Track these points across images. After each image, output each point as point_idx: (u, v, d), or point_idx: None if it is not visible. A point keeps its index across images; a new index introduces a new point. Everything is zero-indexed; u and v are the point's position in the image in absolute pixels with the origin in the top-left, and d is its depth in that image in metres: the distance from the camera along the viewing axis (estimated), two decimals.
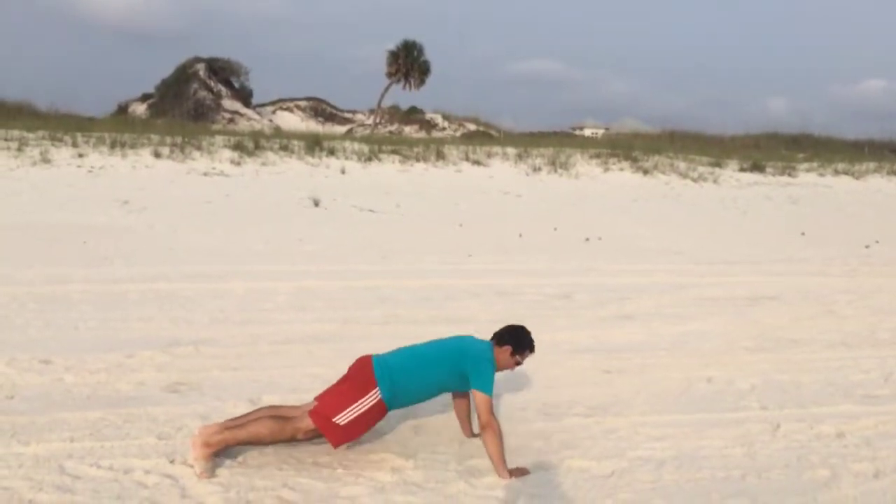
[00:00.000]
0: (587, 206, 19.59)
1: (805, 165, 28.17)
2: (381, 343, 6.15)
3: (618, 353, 6.24)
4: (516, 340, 4.13)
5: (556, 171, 24.05)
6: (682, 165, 25.98)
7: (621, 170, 24.99)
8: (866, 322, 7.73)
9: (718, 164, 26.76)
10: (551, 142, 28.87)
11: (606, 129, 52.68)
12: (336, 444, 3.86)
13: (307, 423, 3.84)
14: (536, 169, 23.97)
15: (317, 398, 4.00)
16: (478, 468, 3.87)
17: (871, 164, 29.11)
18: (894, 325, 7.55)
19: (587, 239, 13.91)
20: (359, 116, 51.83)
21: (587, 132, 51.08)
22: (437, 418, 4.53)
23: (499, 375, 4.13)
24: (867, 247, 14.31)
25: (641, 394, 5.22)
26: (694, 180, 24.69)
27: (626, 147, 27.37)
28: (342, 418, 3.83)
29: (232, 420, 3.93)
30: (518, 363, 4.17)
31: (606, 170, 24.80)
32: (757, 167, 26.97)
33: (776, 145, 34.86)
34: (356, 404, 3.85)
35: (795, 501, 3.61)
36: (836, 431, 4.54)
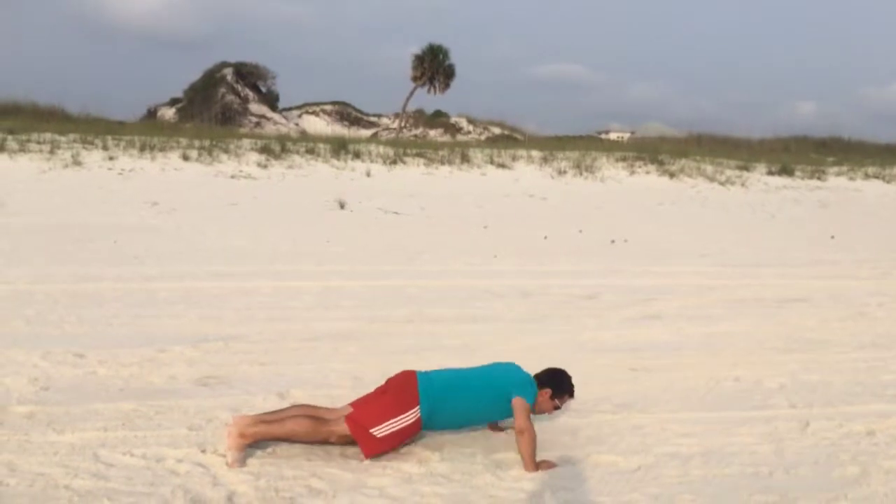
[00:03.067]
0: (613, 209, 19.51)
1: (835, 169, 27.81)
2: (407, 341, 6.23)
3: (644, 353, 6.22)
4: (556, 384, 4.13)
5: (581, 174, 23.98)
6: (709, 169, 25.78)
7: (647, 173, 24.86)
8: None
9: (746, 168, 26.53)
10: (577, 145, 28.80)
11: (632, 132, 52.39)
12: (368, 455, 3.84)
13: (342, 429, 3.86)
14: (562, 172, 23.92)
15: (352, 404, 4.01)
16: (504, 461, 3.89)
17: None
18: None
19: (613, 241, 13.86)
20: (384, 120, 52.03)
21: (613, 136, 50.83)
22: None
23: None
24: None
25: (668, 392, 5.20)
26: (721, 184, 24.50)
27: (653, 150, 27.22)
28: (379, 431, 3.83)
29: (267, 414, 3.97)
30: (557, 407, 4.18)
31: (632, 173, 24.69)
32: (786, 171, 26.68)
33: (805, 149, 34.44)
34: (396, 419, 3.86)
35: (825, 498, 3.58)
36: (866, 430, 4.49)
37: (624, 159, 25.74)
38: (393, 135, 41.20)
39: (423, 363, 5.46)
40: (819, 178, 26.47)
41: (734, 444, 4.21)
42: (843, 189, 25.42)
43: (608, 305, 8.16)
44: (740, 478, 3.80)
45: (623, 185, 23.36)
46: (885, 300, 8.89)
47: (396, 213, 16.79)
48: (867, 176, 27.31)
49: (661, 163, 25.66)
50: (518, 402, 3.90)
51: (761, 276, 10.53)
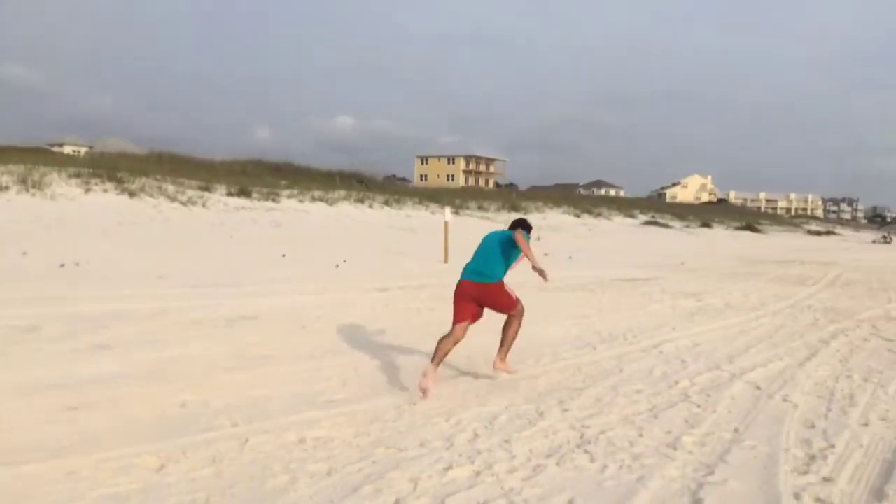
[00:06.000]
0: (65, 230, 18.03)
1: (287, 192, 30.29)
2: None
3: (88, 388, 5.82)
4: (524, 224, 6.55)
5: (27, 190, 21.60)
6: (171, 188, 25.67)
7: (105, 191, 23.63)
8: (332, 335, 8.55)
9: (208, 188, 27.15)
10: (23, 157, 25.87)
11: (90, 146, 49.30)
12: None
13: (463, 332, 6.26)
14: (3, 188, 21.20)
15: (470, 317, 6.27)
16: None
17: (342, 192, 32.72)
18: (351, 335, 8.51)
19: (62, 265, 12.78)
20: None
21: (67, 149, 47.15)
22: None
23: None
24: (337, 266, 15.96)
25: (110, 429, 4.93)
26: (183, 203, 24.59)
27: (112, 167, 25.99)
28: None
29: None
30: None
31: (88, 191, 23.19)
32: (244, 192, 28.08)
33: (262, 172, 36.74)
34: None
35: None
36: (297, 438, 4.88)
37: (79, 175, 24.01)
38: None
39: None
40: (273, 200, 28.50)
41: (172, 474, 4.17)
42: (293, 210, 27.80)
43: (51, 337, 7.47)
44: None
45: (77, 204, 21.76)
46: (323, 313, 9.94)
47: None
48: (314, 199, 30.39)
49: (120, 180, 24.63)
50: (517, 233, 6.19)
51: (217, 295, 10.83)
